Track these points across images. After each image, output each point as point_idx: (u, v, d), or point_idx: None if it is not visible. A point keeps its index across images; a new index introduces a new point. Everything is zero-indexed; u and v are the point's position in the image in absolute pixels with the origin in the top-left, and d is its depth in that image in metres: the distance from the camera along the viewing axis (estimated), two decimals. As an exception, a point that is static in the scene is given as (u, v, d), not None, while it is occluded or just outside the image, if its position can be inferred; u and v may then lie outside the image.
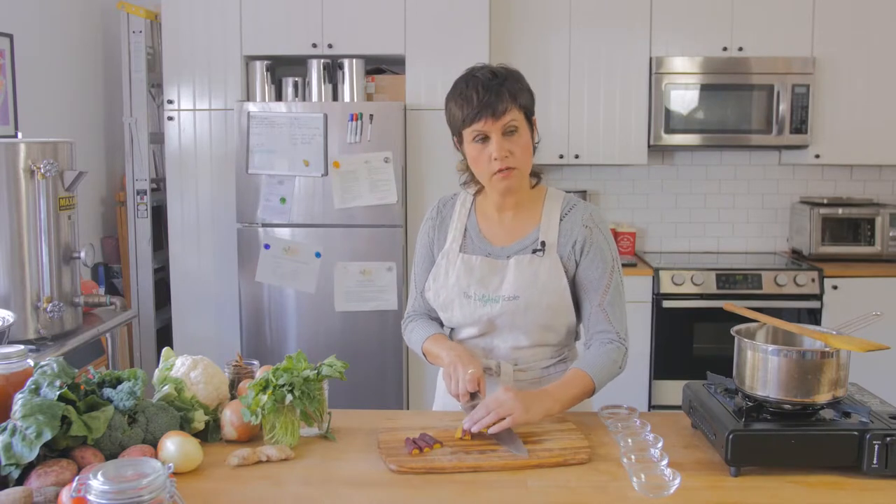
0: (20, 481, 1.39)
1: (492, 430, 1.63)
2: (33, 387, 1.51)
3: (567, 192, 1.98)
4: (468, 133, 1.80)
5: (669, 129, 4.11)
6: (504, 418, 1.62)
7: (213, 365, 1.81)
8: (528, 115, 1.83)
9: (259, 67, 3.92)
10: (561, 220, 1.89)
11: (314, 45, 3.85)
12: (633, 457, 1.49)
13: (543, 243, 1.86)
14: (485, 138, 1.79)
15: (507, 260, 1.87)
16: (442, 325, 2.02)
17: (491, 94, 1.76)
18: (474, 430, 1.64)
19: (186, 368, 1.77)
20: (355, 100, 3.89)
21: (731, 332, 1.66)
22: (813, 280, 3.93)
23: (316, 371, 1.67)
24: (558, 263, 1.85)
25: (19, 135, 3.43)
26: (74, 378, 1.57)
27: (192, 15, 3.85)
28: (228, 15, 3.85)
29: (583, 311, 1.91)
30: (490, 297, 1.85)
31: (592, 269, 1.86)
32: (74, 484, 1.16)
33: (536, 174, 1.93)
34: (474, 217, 1.96)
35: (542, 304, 1.84)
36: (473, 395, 1.74)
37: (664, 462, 1.47)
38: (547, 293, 1.84)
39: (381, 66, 4.07)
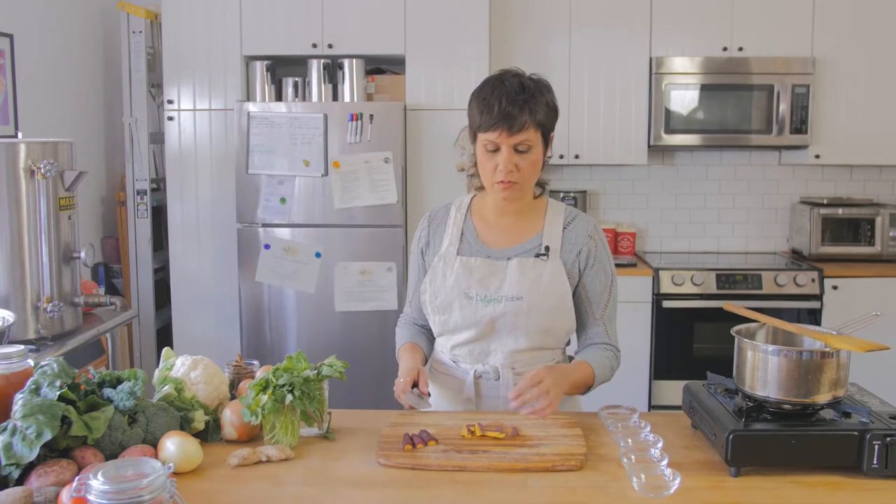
0: (20, 481, 1.39)
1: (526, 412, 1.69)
2: (33, 387, 1.51)
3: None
4: (481, 138, 1.83)
5: (669, 130, 4.11)
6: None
7: (213, 365, 1.81)
8: (546, 132, 1.85)
9: (259, 67, 3.92)
10: (564, 228, 1.92)
11: (314, 45, 3.85)
12: (633, 457, 1.49)
13: (548, 248, 1.88)
14: (496, 149, 1.81)
15: (507, 262, 1.89)
16: (429, 332, 2.04)
17: (514, 107, 1.77)
18: (523, 412, 1.69)
19: (186, 368, 1.77)
20: (355, 100, 3.89)
21: (731, 332, 1.66)
22: (813, 280, 3.93)
23: (316, 371, 1.68)
24: (561, 268, 1.88)
25: (19, 135, 3.43)
26: (74, 378, 1.57)
27: (192, 15, 3.85)
28: (228, 15, 3.85)
29: (582, 321, 1.96)
30: (492, 297, 1.87)
31: (597, 281, 1.92)
32: (74, 484, 1.16)
33: (541, 185, 1.95)
34: (471, 221, 1.98)
35: (545, 307, 1.86)
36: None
37: (664, 462, 1.47)
38: (550, 295, 1.86)
39: (381, 66, 4.07)
